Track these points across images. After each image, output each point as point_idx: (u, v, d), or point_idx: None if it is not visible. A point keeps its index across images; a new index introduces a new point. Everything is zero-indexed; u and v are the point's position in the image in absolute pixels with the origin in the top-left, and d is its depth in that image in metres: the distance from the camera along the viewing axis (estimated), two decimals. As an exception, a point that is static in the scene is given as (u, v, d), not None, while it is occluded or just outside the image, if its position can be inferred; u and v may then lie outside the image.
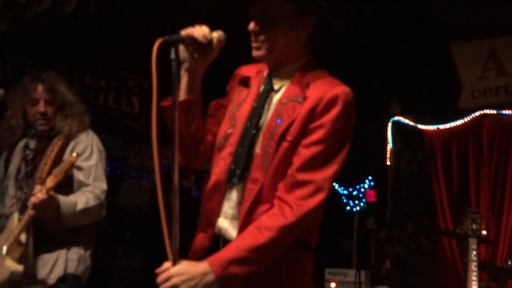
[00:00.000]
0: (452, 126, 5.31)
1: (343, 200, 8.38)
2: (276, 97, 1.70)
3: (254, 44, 1.71)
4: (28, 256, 2.53)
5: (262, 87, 1.75)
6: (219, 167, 1.71)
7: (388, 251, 5.49)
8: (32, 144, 2.78)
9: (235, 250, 1.55)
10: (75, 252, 2.65)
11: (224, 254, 1.55)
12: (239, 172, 1.66)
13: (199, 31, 1.65)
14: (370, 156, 6.16)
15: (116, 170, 7.33)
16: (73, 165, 2.40)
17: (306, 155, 1.59)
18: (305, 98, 1.63)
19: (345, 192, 8.42)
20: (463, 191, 5.16)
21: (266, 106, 1.70)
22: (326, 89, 1.63)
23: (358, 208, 7.95)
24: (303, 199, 1.57)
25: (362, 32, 5.37)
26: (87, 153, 2.72)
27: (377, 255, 5.52)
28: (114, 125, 6.08)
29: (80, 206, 2.53)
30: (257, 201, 1.62)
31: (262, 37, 1.67)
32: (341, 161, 1.63)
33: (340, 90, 1.63)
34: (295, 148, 1.62)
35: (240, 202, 1.66)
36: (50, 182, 2.37)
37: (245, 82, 1.82)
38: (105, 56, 5.78)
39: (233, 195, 1.68)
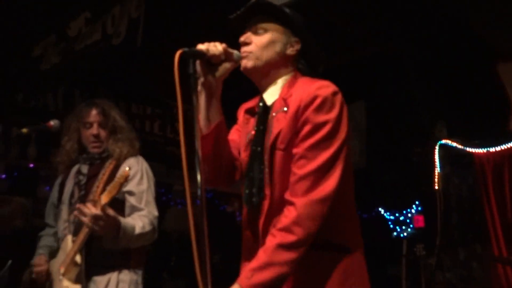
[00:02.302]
0: (503, 148, 5.14)
1: (389, 225, 8.19)
2: (270, 114, 1.75)
3: (242, 55, 1.77)
4: (82, 278, 2.57)
5: (259, 109, 1.81)
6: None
7: (438, 279, 5.30)
8: (85, 169, 2.84)
9: (256, 259, 1.56)
10: (126, 274, 2.68)
11: (248, 266, 1.57)
12: (255, 193, 1.69)
13: (216, 47, 1.69)
14: (417, 181, 6.02)
15: (161, 196, 7.43)
16: (126, 180, 2.42)
17: (299, 152, 1.62)
18: (288, 106, 1.67)
19: (392, 217, 8.23)
20: (517, 216, 4.96)
21: (266, 125, 1.75)
22: (304, 90, 1.66)
23: (405, 234, 7.75)
24: (305, 192, 1.57)
25: (406, 54, 5.31)
26: (137, 177, 2.76)
27: (427, 283, 5.33)
28: (159, 151, 6.19)
29: (137, 230, 2.58)
30: (270, 215, 1.65)
31: (250, 47, 1.75)
32: (337, 149, 1.61)
33: (317, 85, 1.67)
34: (291, 154, 1.64)
35: None
36: (105, 198, 2.40)
37: (250, 111, 1.88)
38: (150, 84, 5.91)
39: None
